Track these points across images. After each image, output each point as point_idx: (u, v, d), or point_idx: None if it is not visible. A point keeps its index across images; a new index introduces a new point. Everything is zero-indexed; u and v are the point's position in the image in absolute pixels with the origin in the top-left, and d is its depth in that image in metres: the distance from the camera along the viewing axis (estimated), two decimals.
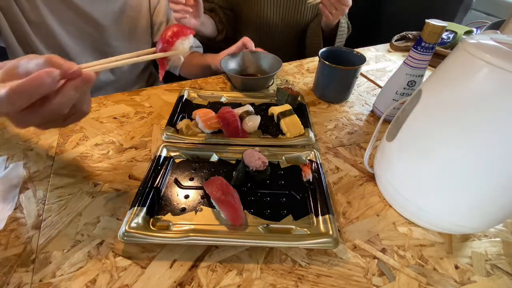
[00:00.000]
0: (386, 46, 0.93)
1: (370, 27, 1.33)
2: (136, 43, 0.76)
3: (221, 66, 0.64)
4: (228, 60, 0.68)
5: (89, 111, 0.33)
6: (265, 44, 0.96)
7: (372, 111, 0.63)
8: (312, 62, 0.81)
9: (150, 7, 0.75)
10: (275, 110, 0.55)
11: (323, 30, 0.87)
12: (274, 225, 0.38)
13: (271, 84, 0.69)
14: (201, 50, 0.87)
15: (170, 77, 0.88)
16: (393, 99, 0.56)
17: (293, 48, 0.98)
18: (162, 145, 0.47)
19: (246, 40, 0.69)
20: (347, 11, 0.77)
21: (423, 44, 0.49)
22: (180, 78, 0.73)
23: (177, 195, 0.41)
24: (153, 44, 0.79)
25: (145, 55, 0.37)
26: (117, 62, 0.34)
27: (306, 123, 0.54)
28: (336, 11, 0.75)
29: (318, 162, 0.46)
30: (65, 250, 0.35)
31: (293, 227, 0.38)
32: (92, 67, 0.32)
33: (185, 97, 0.60)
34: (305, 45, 0.96)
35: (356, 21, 0.97)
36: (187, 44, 0.40)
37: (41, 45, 0.66)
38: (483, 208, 0.34)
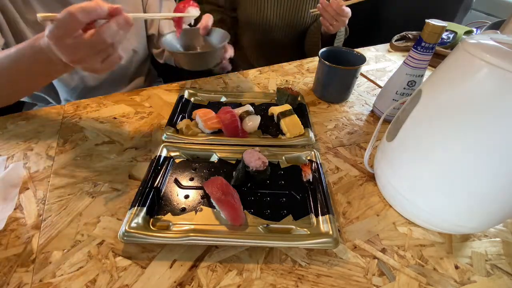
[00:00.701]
0: (386, 46, 0.93)
1: (370, 27, 1.32)
2: (131, 37, 0.75)
3: (162, 45, 0.58)
4: (170, 38, 0.61)
5: (122, 60, 0.40)
6: (265, 45, 0.97)
7: (372, 111, 0.63)
8: (312, 62, 0.81)
9: (142, 1, 0.75)
10: (275, 110, 0.55)
11: (322, 34, 0.87)
12: (274, 225, 0.38)
13: (220, 62, 0.63)
14: None
15: (170, 78, 0.88)
16: (393, 99, 0.56)
17: (293, 48, 0.99)
18: (162, 145, 0.47)
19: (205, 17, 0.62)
20: (347, 21, 0.76)
21: (423, 44, 0.49)
22: (180, 78, 0.72)
23: (177, 195, 0.41)
24: (148, 38, 0.79)
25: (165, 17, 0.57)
26: (147, 17, 0.49)
27: (306, 123, 0.54)
28: (337, 22, 0.75)
29: (318, 162, 0.46)
30: (65, 250, 0.35)
31: (293, 227, 0.38)
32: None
33: (185, 97, 0.60)
34: (304, 45, 0.96)
35: (356, 21, 0.97)
36: (196, 12, 0.55)
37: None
38: (483, 208, 0.34)
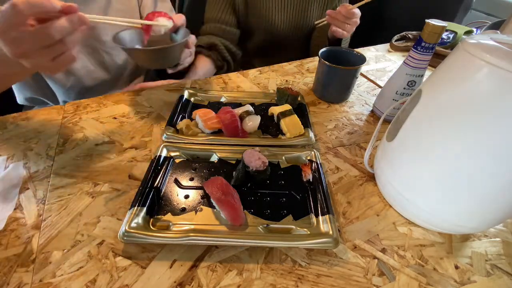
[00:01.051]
0: (386, 46, 0.93)
1: (370, 27, 1.32)
2: None
3: (117, 41, 0.53)
4: (127, 35, 0.56)
5: (75, 61, 0.39)
6: (270, 49, 0.95)
7: (372, 111, 0.63)
8: (312, 62, 0.81)
9: (138, 1, 0.74)
10: (275, 110, 0.55)
11: (328, 38, 0.87)
12: (274, 225, 0.38)
13: (181, 63, 0.61)
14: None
15: (170, 77, 0.88)
16: (393, 99, 0.56)
17: (298, 50, 0.97)
18: (162, 145, 0.47)
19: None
20: (358, 21, 0.76)
21: (423, 44, 0.49)
22: (180, 78, 0.73)
23: (177, 195, 0.41)
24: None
25: (134, 23, 0.50)
26: (110, 21, 0.45)
27: (306, 123, 0.54)
28: (349, 25, 0.75)
29: (318, 162, 0.46)
30: (65, 250, 0.35)
31: (293, 227, 0.38)
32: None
33: (185, 97, 0.60)
34: (310, 47, 0.95)
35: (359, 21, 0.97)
36: (168, 22, 0.53)
37: None
38: (483, 208, 0.34)
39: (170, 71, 0.67)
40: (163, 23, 0.52)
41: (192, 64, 0.75)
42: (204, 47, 0.83)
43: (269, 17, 0.87)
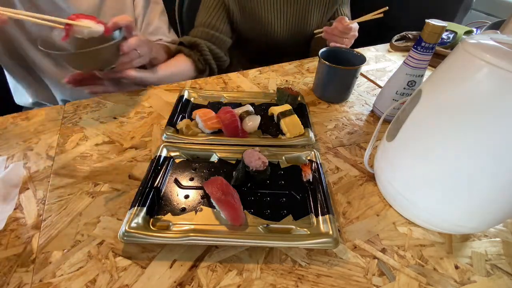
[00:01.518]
0: (386, 46, 0.93)
1: (370, 27, 1.32)
2: None
3: (41, 46, 0.49)
4: (53, 36, 0.53)
5: None
6: (270, 53, 0.93)
7: (372, 111, 0.63)
8: (312, 62, 0.81)
9: None
10: (275, 110, 0.55)
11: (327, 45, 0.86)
12: (274, 225, 0.38)
13: (116, 64, 0.57)
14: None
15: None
16: (393, 99, 0.56)
17: (297, 54, 0.97)
18: (162, 145, 0.47)
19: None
20: (357, 34, 0.75)
21: (423, 44, 0.49)
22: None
23: (177, 195, 0.41)
24: None
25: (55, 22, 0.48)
26: (29, 18, 0.44)
27: (306, 123, 0.54)
28: (348, 39, 0.74)
29: (318, 162, 0.46)
30: (65, 250, 0.35)
31: (293, 227, 0.38)
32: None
33: (185, 97, 0.60)
34: (309, 51, 0.94)
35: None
36: (95, 25, 0.51)
37: (26, 42, 0.66)
38: (483, 208, 0.34)
39: (100, 74, 0.62)
40: (86, 24, 0.50)
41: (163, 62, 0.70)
42: (186, 46, 0.78)
43: (268, 24, 0.84)
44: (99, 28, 0.52)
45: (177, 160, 0.47)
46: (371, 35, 1.15)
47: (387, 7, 0.65)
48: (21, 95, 0.76)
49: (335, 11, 0.89)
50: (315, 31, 0.78)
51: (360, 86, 0.72)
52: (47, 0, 0.63)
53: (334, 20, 0.82)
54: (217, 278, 0.33)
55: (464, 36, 0.84)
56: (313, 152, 0.47)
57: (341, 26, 0.70)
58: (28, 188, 0.42)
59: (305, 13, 0.85)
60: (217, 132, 0.53)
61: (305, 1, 0.82)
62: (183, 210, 0.39)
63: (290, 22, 0.85)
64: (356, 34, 0.75)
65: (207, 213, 0.39)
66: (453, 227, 0.37)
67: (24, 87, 0.74)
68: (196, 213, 0.39)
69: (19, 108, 0.77)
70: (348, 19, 0.92)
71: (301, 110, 0.58)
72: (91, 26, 0.51)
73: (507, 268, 0.36)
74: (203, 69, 0.79)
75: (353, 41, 0.77)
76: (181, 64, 0.76)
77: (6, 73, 0.74)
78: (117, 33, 0.56)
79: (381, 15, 0.66)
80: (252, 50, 0.96)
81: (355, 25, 0.72)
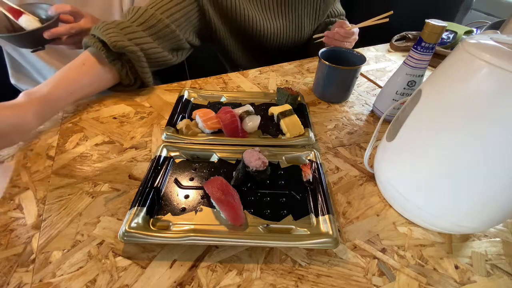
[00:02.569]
0: (386, 46, 0.93)
1: (370, 27, 1.32)
2: None
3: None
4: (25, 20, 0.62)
5: None
6: (265, 58, 0.90)
7: (372, 111, 0.63)
8: (312, 62, 0.81)
9: None
10: (275, 110, 0.55)
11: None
12: (274, 225, 0.38)
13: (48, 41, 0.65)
14: None
15: (170, 77, 0.87)
16: (393, 99, 0.56)
17: (293, 58, 0.95)
18: (162, 145, 0.47)
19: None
20: (357, 37, 0.75)
21: (423, 44, 0.49)
22: (180, 78, 0.72)
23: (177, 195, 0.41)
24: None
25: None
26: None
27: (306, 123, 0.54)
28: (349, 43, 0.74)
29: (318, 162, 0.46)
30: (65, 250, 0.35)
31: (293, 227, 0.38)
32: None
33: (185, 97, 0.60)
34: (307, 54, 0.92)
35: (356, 21, 0.97)
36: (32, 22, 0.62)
37: None
38: (483, 208, 0.34)
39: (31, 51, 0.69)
40: (29, 11, 0.63)
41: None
42: (110, 49, 0.55)
43: (261, 32, 0.79)
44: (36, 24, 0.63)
45: (177, 160, 0.47)
46: (370, 35, 1.15)
47: (392, 11, 0.64)
48: (17, 78, 0.80)
49: (327, 17, 0.88)
50: (314, 37, 0.78)
51: (360, 86, 0.72)
52: None
53: (332, 24, 0.82)
54: (217, 278, 0.33)
55: (464, 36, 0.84)
56: (313, 152, 0.47)
57: (343, 31, 0.70)
58: (28, 188, 0.42)
59: (298, 23, 0.83)
60: (217, 132, 0.53)
61: (297, 12, 0.81)
62: (183, 210, 0.39)
63: (283, 33, 0.82)
64: (357, 37, 0.75)
65: (207, 213, 0.39)
66: (453, 227, 0.37)
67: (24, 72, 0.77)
68: (196, 213, 0.39)
69: (16, 91, 0.76)
70: (342, 15, 0.92)
71: (301, 110, 0.58)
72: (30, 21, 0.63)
73: (507, 268, 0.36)
74: (128, 83, 0.62)
75: (353, 44, 0.77)
76: (96, 74, 0.56)
77: (4, 53, 0.79)
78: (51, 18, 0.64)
79: (387, 19, 0.65)
80: (246, 57, 0.91)
81: (355, 29, 0.72)
